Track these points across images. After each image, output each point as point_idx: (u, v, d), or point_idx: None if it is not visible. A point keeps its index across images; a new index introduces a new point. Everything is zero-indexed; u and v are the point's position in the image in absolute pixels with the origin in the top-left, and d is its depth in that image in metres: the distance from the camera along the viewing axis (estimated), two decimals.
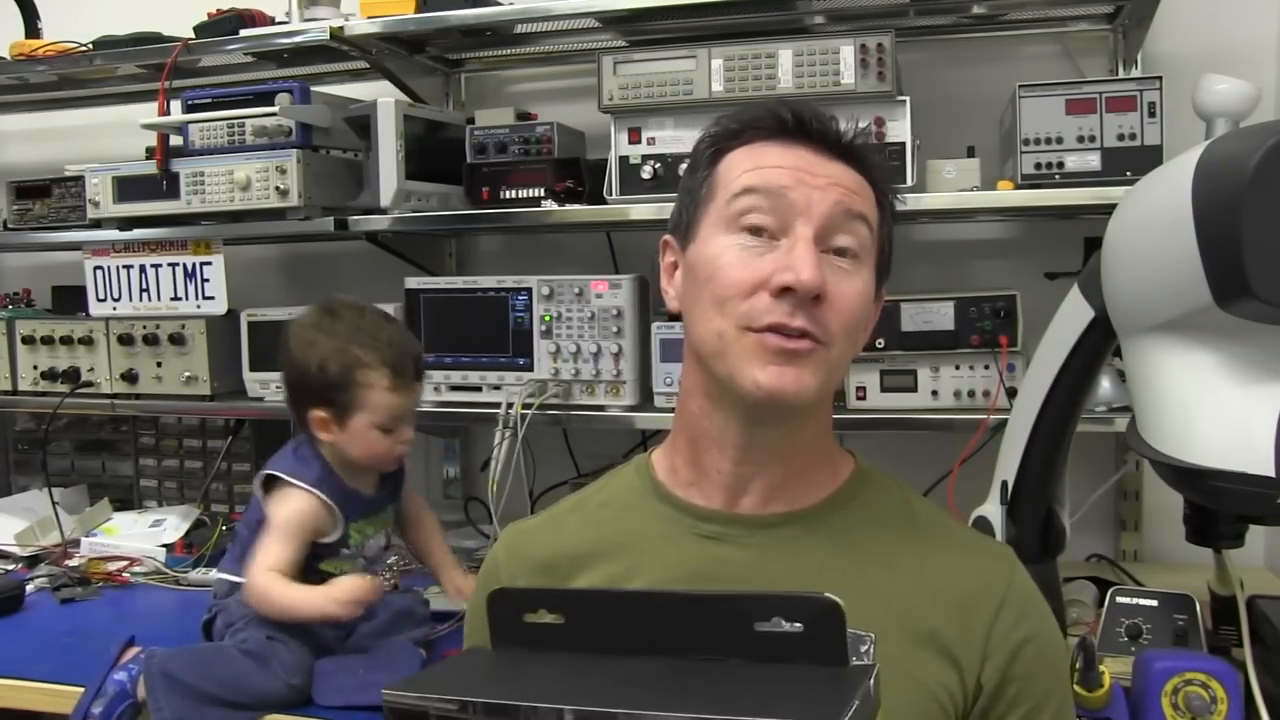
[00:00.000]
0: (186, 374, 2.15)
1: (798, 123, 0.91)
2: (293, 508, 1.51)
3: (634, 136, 1.86)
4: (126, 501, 2.51)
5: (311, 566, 1.53)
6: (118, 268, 2.22)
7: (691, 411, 0.96)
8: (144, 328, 2.18)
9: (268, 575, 1.47)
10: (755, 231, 0.89)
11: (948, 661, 0.88)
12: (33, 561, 2.14)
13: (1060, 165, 1.68)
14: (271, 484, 1.55)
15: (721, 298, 0.88)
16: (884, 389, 1.80)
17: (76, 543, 2.19)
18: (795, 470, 0.94)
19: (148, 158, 2.13)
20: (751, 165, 0.91)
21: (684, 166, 1.76)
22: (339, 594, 1.44)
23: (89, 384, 2.23)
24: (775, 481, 0.94)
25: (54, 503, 2.26)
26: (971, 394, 1.76)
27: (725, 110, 0.98)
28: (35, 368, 2.28)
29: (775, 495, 0.94)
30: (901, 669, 0.86)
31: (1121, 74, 1.94)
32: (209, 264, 2.14)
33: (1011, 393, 1.68)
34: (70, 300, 2.41)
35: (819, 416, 0.95)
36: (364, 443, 1.54)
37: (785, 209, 0.88)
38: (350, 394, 1.51)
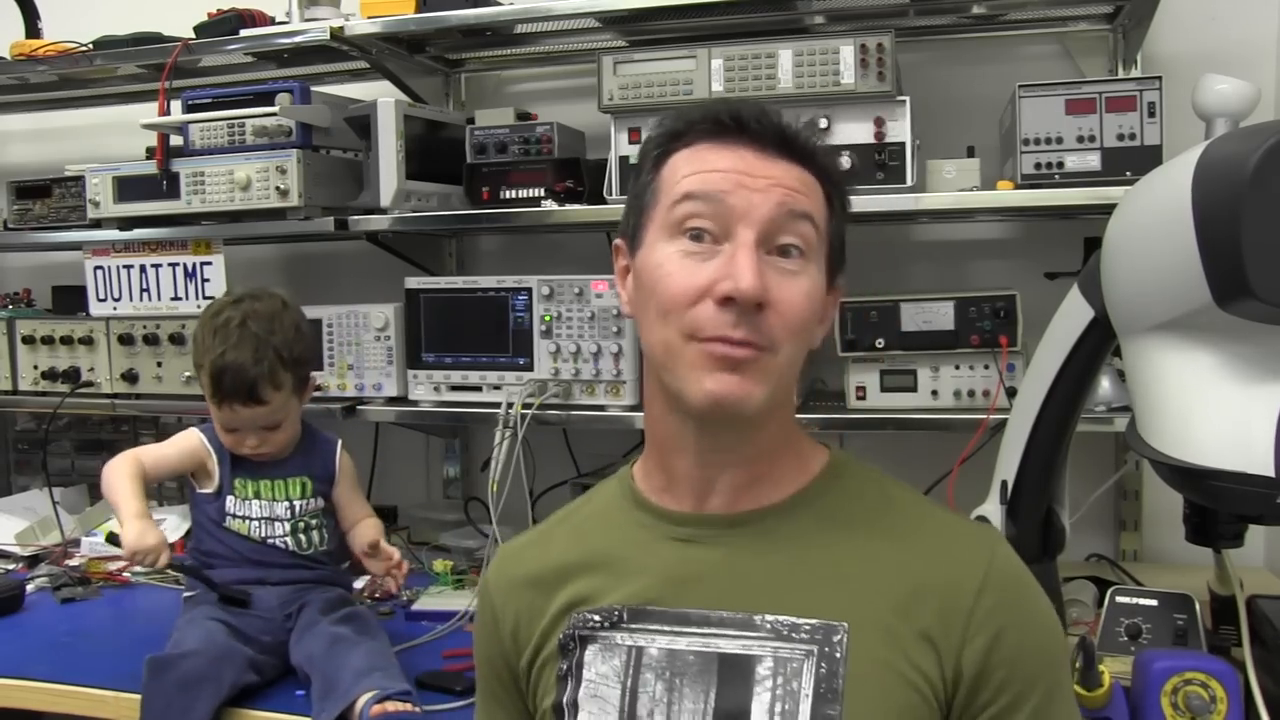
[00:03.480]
0: (186, 374, 2.15)
1: (737, 123, 0.91)
2: (181, 435, 1.73)
3: (634, 136, 1.86)
4: None
5: (217, 525, 1.67)
6: (118, 268, 2.22)
7: (655, 416, 0.97)
8: (144, 328, 2.18)
9: (127, 455, 1.64)
10: (697, 236, 0.89)
11: (926, 647, 0.86)
12: (33, 561, 2.14)
13: (1060, 165, 1.68)
14: None
15: (666, 308, 0.88)
16: (884, 389, 1.80)
17: (76, 542, 2.19)
18: (760, 471, 0.95)
19: (148, 158, 2.13)
20: (691, 170, 0.90)
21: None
22: (132, 537, 1.54)
23: (89, 384, 2.23)
24: (740, 482, 0.94)
25: (54, 503, 2.27)
26: (971, 394, 1.76)
27: None
28: (35, 368, 2.28)
29: (742, 494, 0.95)
30: (877, 658, 0.86)
31: (1121, 74, 1.94)
32: (209, 264, 2.14)
33: (1011, 393, 1.68)
34: (70, 300, 2.41)
35: (778, 417, 0.95)
36: (219, 431, 1.68)
37: (725, 214, 0.88)
38: (205, 391, 1.67)
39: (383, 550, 1.68)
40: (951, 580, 0.89)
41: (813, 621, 0.88)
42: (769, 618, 0.89)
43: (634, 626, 0.93)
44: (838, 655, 0.86)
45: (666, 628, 0.91)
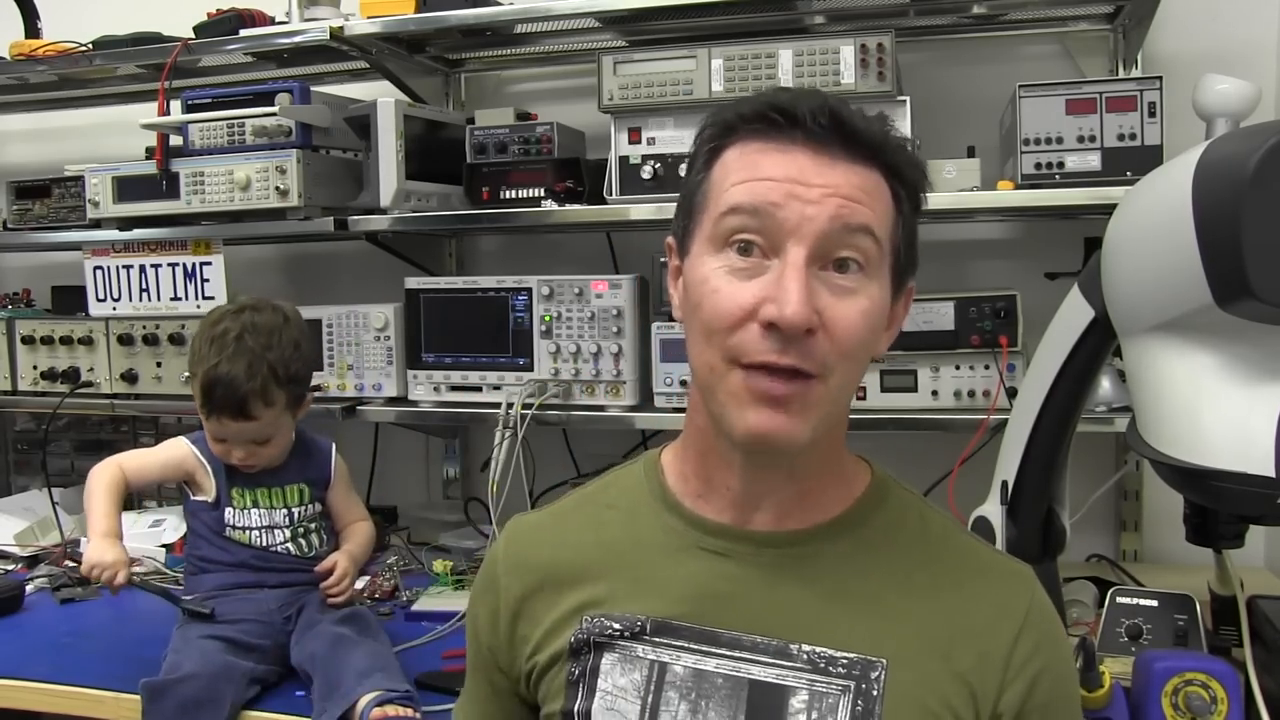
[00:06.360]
0: (185, 374, 2.14)
1: (791, 120, 0.83)
2: (168, 444, 1.71)
3: (634, 136, 1.86)
4: (126, 501, 2.50)
5: (216, 534, 1.65)
6: (118, 268, 2.21)
7: (699, 426, 0.92)
8: (144, 328, 2.18)
9: (110, 463, 1.64)
10: (745, 250, 0.83)
11: (964, 689, 0.85)
12: (32, 561, 2.14)
13: (1060, 165, 1.68)
14: None
15: (710, 328, 0.83)
16: (884, 389, 1.80)
17: (76, 543, 2.18)
18: (807, 487, 0.91)
19: (148, 158, 2.13)
20: (741, 177, 0.84)
21: (684, 166, 1.78)
22: (93, 553, 1.53)
23: (89, 384, 2.23)
24: (786, 499, 0.90)
25: (54, 503, 2.26)
26: (971, 394, 1.76)
27: None
28: (35, 368, 2.28)
29: (788, 513, 0.91)
30: (913, 697, 0.84)
31: (1121, 74, 1.94)
32: (209, 264, 2.14)
33: (1011, 393, 1.68)
34: (70, 300, 2.41)
35: (828, 439, 0.89)
36: (210, 439, 1.66)
37: (774, 228, 0.81)
38: (196, 400, 1.64)
39: (327, 567, 1.65)
40: (991, 622, 0.87)
41: (851, 655, 0.85)
42: (805, 648, 0.86)
43: (657, 640, 0.89)
44: (875, 693, 0.84)
45: (693, 645, 0.88)
